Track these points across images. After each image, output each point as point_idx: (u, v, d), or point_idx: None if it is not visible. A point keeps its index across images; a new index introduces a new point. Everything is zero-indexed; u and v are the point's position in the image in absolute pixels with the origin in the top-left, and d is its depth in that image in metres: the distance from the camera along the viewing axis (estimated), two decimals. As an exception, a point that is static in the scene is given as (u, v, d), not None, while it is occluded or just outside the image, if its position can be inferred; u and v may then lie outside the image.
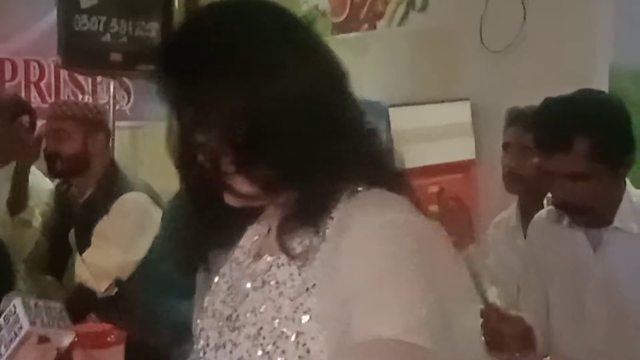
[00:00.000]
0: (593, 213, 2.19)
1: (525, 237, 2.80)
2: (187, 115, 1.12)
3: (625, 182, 2.23)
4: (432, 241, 1.10)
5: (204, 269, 1.26)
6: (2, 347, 1.25)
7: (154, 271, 2.92)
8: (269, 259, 1.17)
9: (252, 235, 1.24)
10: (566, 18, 3.58)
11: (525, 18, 3.66)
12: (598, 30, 3.52)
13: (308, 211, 1.12)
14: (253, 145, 1.09)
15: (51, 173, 3.41)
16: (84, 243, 3.28)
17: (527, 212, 2.89)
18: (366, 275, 1.04)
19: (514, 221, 3.00)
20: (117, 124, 4.10)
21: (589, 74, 3.43)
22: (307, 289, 1.09)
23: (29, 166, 3.45)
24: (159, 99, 1.15)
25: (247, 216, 1.23)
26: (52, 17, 4.27)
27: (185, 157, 1.16)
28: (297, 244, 1.12)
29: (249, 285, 1.17)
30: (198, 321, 1.23)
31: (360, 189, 1.13)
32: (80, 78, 4.93)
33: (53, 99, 4.90)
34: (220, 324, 1.18)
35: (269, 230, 1.22)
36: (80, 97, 4.98)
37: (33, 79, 4.93)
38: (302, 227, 1.12)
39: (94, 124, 3.33)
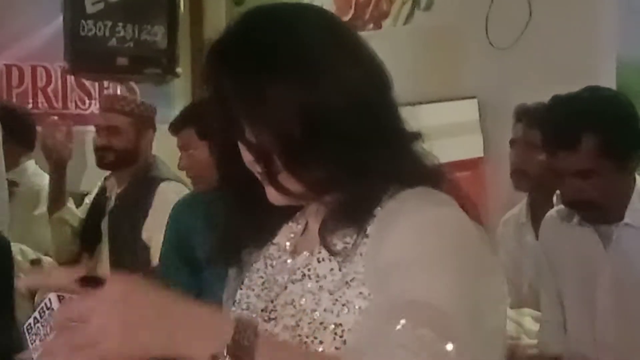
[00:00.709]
0: (603, 210, 2.19)
1: (535, 234, 2.80)
2: (238, 113, 1.13)
3: (635, 178, 2.23)
4: (472, 239, 1.11)
5: (236, 265, 1.27)
6: (38, 341, 1.25)
7: (160, 274, 2.93)
8: (307, 254, 1.19)
9: (288, 233, 1.25)
10: (571, 14, 3.57)
11: (530, 14, 3.65)
12: (603, 25, 3.51)
13: (353, 211, 1.14)
14: (305, 145, 1.10)
15: (100, 165, 3.49)
16: (116, 234, 3.36)
17: (536, 209, 2.89)
18: (404, 261, 1.06)
19: (524, 218, 2.99)
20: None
21: (595, 69, 3.42)
22: (347, 283, 1.12)
23: (64, 165, 3.49)
24: (206, 93, 1.16)
25: (283, 214, 1.24)
26: (58, 22, 4.27)
27: (228, 154, 1.18)
28: (338, 240, 1.14)
29: (287, 278, 1.19)
30: (230, 314, 1.24)
31: (403, 188, 1.14)
32: (87, 83, 4.94)
33: (61, 105, 4.93)
34: (254, 315, 1.20)
35: (304, 228, 1.24)
36: (87, 102, 5.00)
37: (40, 84, 4.94)
38: (346, 226, 1.14)
39: (147, 121, 3.47)
